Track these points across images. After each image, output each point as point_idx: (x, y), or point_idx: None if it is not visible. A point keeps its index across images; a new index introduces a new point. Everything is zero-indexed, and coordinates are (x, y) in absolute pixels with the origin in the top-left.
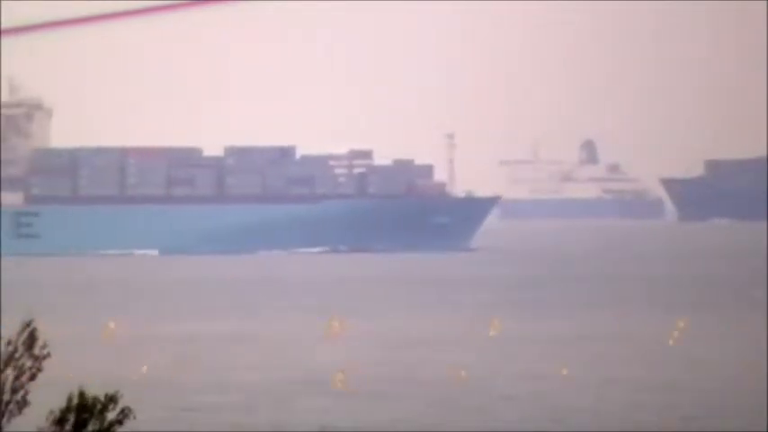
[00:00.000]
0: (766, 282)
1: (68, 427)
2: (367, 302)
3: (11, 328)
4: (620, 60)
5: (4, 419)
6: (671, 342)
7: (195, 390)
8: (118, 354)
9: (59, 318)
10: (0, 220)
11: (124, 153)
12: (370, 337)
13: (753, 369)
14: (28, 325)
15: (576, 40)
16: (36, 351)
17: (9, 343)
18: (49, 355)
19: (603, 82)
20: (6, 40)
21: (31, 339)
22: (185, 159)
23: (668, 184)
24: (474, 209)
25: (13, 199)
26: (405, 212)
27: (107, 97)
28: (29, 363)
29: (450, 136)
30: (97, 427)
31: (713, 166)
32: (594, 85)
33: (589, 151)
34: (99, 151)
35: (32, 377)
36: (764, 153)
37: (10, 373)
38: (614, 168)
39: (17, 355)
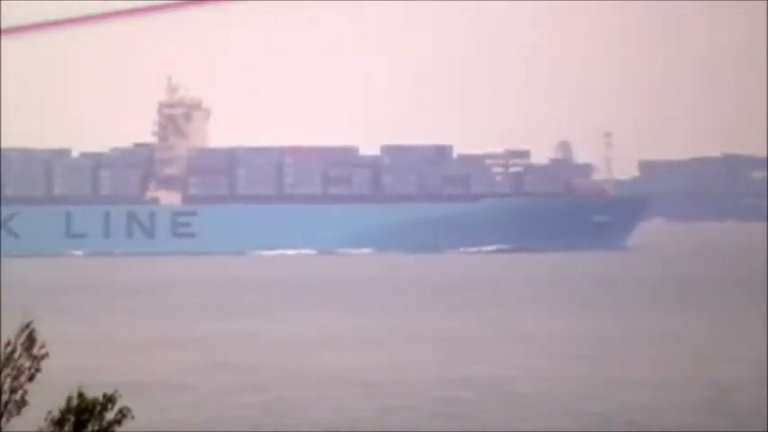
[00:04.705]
0: (766, 282)
1: (68, 427)
2: (551, 302)
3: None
4: (602, 59)
5: (3, 419)
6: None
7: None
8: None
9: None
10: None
11: (281, 152)
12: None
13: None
14: (27, 326)
15: (554, 39)
16: (35, 351)
17: (8, 344)
18: (47, 355)
19: (579, 81)
20: (162, 41)
21: (30, 340)
22: (342, 158)
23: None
24: (632, 207)
25: (171, 198)
26: (562, 211)
27: (264, 96)
28: (27, 363)
29: (608, 134)
30: (96, 427)
31: (647, 166)
32: (570, 85)
33: (564, 152)
34: (257, 150)
35: (31, 378)
36: (712, 153)
37: (8, 373)
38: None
39: (15, 356)
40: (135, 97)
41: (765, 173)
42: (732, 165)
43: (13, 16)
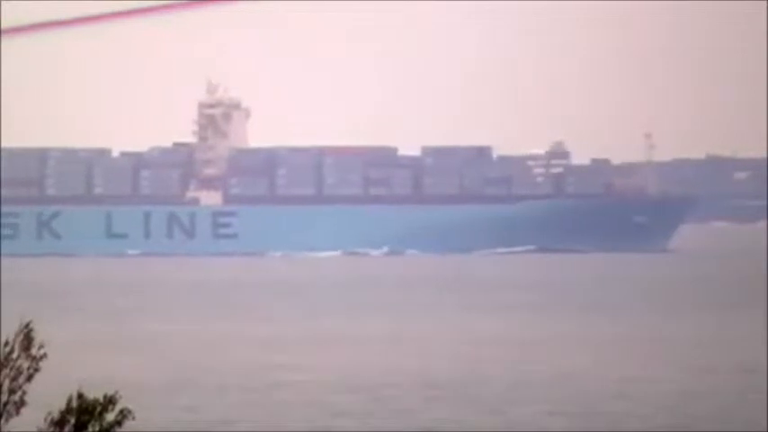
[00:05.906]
0: (766, 282)
1: (68, 428)
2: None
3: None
4: (597, 58)
5: (2, 420)
6: None
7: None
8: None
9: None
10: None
11: (321, 152)
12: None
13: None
14: (26, 326)
15: (536, 36)
16: (33, 352)
17: (6, 344)
18: (45, 355)
19: (572, 81)
20: (206, 42)
21: (28, 340)
22: (382, 159)
23: None
24: (673, 208)
25: (211, 199)
26: (603, 212)
27: (301, 96)
28: (26, 364)
29: (648, 135)
30: (97, 428)
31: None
32: (564, 85)
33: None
34: (297, 151)
35: (29, 378)
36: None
37: (7, 374)
38: None
39: (14, 356)
40: (171, 97)
41: (764, 173)
42: (720, 165)
43: (41, 13)
